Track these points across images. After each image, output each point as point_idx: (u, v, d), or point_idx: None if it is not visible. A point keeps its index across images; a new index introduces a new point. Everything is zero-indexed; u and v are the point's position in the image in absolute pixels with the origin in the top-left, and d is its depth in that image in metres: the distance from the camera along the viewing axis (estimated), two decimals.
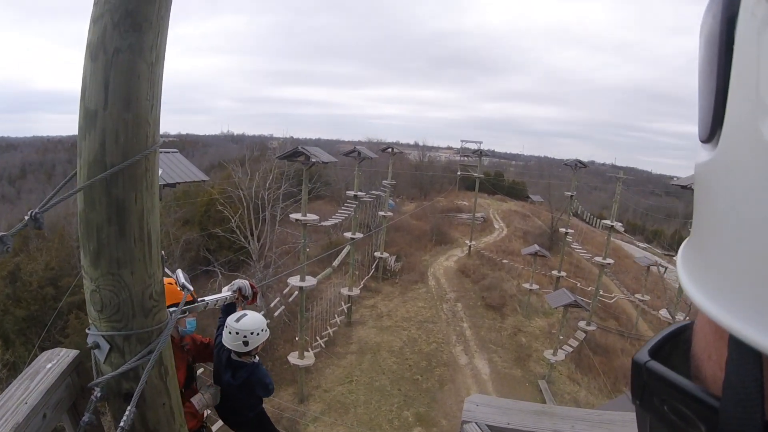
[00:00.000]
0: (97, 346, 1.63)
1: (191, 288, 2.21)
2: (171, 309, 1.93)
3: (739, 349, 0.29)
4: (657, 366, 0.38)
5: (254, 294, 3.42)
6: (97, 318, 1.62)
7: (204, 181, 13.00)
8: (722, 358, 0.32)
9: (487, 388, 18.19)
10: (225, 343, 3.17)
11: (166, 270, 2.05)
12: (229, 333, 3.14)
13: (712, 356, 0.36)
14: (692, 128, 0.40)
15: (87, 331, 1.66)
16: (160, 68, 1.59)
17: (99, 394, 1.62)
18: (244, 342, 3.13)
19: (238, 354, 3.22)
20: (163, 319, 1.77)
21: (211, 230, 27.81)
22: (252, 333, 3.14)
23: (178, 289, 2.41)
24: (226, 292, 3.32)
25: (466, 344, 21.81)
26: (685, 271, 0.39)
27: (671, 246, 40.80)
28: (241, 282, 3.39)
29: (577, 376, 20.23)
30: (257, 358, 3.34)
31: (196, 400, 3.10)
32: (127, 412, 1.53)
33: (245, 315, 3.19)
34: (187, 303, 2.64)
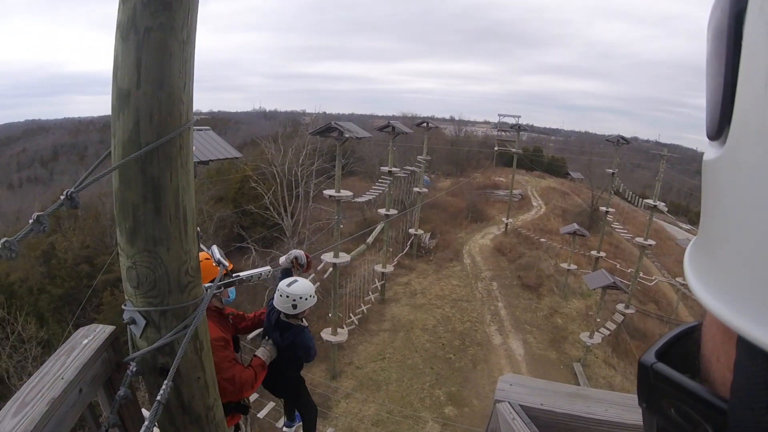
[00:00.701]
0: (133, 321, 1.67)
1: (227, 264, 2.26)
2: (207, 285, 1.96)
3: (747, 350, 0.29)
4: (664, 368, 0.38)
5: (308, 263, 3.80)
6: (134, 294, 1.66)
7: (237, 158, 13.13)
8: (731, 360, 0.32)
9: (521, 370, 18.03)
10: (276, 305, 3.47)
11: (202, 246, 2.08)
12: (280, 296, 3.43)
13: (721, 357, 0.35)
14: None
15: (123, 307, 1.69)
16: (191, 46, 1.59)
17: (134, 369, 1.66)
18: (292, 305, 3.41)
19: (287, 316, 3.49)
20: (199, 295, 1.80)
21: (244, 207, 28.16)
22: (301, 297, 3.42)
23: (214, 265, 2.46)
24: (282, 260, 3.76)
25: (500, 324, 21.63)
26: (693, 270, 0.39)
27: None
28: (297, 252, 3.80)
29: (613, 361, 19.76)
30: (305, 322, 3.62)
31: (260, 352, 3.41)
32: (163, 386, 1.56)
33: (296, 281, 3.50)
34: (223, 278, 2.71)
